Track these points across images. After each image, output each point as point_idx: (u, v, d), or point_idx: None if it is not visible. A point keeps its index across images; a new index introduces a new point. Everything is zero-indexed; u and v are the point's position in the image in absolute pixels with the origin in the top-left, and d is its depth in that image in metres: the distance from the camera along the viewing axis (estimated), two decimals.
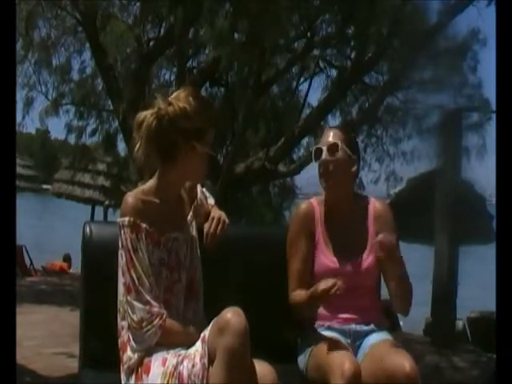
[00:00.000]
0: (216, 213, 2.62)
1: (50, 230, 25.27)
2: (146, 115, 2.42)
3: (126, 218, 2.38)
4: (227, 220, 2.61)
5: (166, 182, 2.47)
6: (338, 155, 2.75)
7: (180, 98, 2.43)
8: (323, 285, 2.53)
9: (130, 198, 2.42)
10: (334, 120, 10.07)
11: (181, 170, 2.45)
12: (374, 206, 2.83)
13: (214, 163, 9.00)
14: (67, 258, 14.48)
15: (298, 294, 2.71)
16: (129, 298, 2.36)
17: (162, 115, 2.39)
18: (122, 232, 2.39)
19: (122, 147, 10.78)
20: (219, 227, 2.57)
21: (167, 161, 2.43)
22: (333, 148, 2.76)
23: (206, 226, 2.57)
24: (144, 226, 2.38)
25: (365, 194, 2.92)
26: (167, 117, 2.39)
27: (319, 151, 2.79)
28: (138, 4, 9.22)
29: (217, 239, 2.56)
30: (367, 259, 2.73)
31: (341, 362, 2.45)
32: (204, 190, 2.71)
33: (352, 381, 2.40)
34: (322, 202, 2.84)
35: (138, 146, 2.41)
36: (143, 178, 2.55)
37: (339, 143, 2.75)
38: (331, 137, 2.79)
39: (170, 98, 2.44)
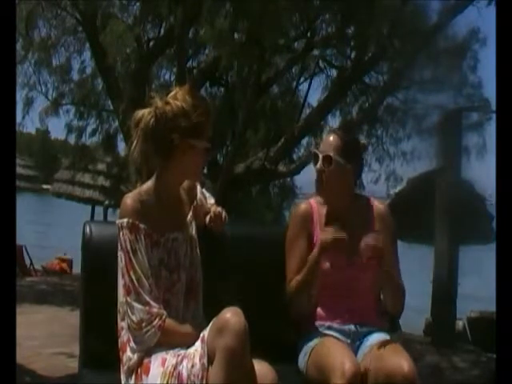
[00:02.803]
0: (217, 208, 2.67)
1: (50, 230, 25.24)
2: (144, 113, 2.43)
3: (125, 220, 2.38)
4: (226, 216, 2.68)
5: (165, 181, 2.48)
6: (330, 168, 2.75)
7: (177, 97, 2.44)
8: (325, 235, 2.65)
9: (129, 199, 2.42)
10: (334, 120, 10.06)
11: (179, 168, 2.45)
12: (375, 207, 2.83)
13: (215, 163, 9.02)
14: (66, 258, 14.47)
15: (297, 277, 2.72)
16: (128, 299, 2.35)
17: (160, 114, 2.40)
18: (121, 233, 2.39)
19: (121, 147, 10.74)
20: (223, 217, 2.64)
21: (165, 160, 2.44)
22: (326, 160, 2.75)
23: (208, 219, 2.65)
24: (143, 226, 2.38)
25: (365, 195, 2.91)
26: (165, 116, 2.40)
27: (316, 157, 2.79)
28: (137, 4, 9.21)
29: (219, 228, 2.64)
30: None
31: (341, 362, 2.45)
32: (204, 190, 2.71)
33: (352, 381, 2.40)
34: (321, 202, 2.84)
35: (134, 144, 2.42)
36: (142, 178, 2.55)
37: (332, 156, 2.74)
38: (328, 146, 2.78)
39: (167, 98, 2.45)
